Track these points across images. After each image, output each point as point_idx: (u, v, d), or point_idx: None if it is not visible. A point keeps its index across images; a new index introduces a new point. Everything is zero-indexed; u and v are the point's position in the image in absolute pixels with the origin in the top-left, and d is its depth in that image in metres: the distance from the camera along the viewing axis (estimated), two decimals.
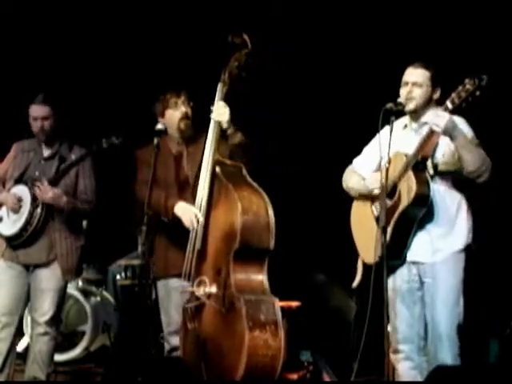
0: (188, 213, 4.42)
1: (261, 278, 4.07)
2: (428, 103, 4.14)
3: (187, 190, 4.55)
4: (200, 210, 4.39)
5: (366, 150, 4.42)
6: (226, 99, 4.47)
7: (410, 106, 4.11)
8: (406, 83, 4.13)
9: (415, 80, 4.12)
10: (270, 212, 4.10)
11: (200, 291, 4.28)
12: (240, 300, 3.95)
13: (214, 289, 4.18)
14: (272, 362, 3.92)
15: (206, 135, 4.49)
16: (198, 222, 4.38)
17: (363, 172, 4.37)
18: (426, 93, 4.12)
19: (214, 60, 4.60)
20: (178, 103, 4.63)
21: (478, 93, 3.78)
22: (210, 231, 4.32)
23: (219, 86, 4.46)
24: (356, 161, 4.45)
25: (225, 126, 4.43)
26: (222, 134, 4.47)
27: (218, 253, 4.21)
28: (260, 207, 4.08)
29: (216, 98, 4.46)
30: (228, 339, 4.05)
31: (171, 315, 4.58)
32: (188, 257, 4.40)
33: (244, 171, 4.30)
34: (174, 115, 4.65)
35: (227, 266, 4.05)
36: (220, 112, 4.44)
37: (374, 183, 4.17)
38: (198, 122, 4.64)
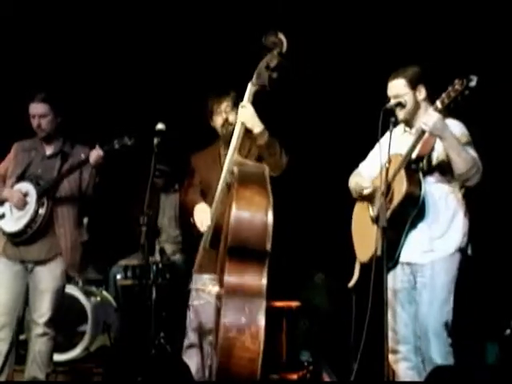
0: (200, 214, 4.50)
1: (255, 279, 4.01)
2: (416, 106, 4.18)
3: None
4: (215, 210, 4.43)
5: (371, 154, 4.45)
6: (256, 100, 4.42)
7: (401, 117, 4.16)
8: (390, 97, 4.19)
9: (394, 93, 4.18)
10: (270, 214, 4.03)
11: (206, 289, 4.32)
12: (222, 299, 3.95)
13: (216, 287, 4.20)
14: (250, 364, 3.87)
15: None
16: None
17: (367, 175, 4.40)
18: (409, 99, 4.15)
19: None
20: (220, 109, 4.64)
21: (466, 92, 3.79)
22: (223, 231, 4.34)
23: (248, 86, 4.41)
24: (362, 165, 4.48)
25: (249, 125, 4.40)
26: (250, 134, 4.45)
27: (222, 252, 4.22)
28: (259, 209, 4.03)
29: (244, 98, 4.42)
30: (215, 337, 4.07)
31: (199, 311, 4.62)
32: (198, 256, 4.47)
33: (266, 173, 4.20)
34: (217, 121, 4.67)
35: (224, 264, 4.05)
36: (243, 111, 4.40)
37: (365, 183, 4.23)
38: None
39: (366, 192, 4.23)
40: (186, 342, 4.71)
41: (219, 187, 4.40)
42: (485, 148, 4.16)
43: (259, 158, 4.47)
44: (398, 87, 4.17)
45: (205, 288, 4.36)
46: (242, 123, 4.40)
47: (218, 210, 4.41)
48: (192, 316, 4.65)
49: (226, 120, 4.63)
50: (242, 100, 4.44)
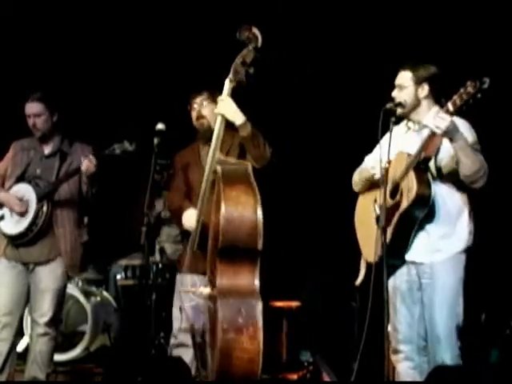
0: (189, 220, 4.47)
1: (248, 278, 3.98)
2: (417, 102, 4.18)
3: None
4: (200, 211, 4.38)
5: (376, 149, 4.42)
6: (236, 94, 4.37)
7: (399, 110, 4.16)
8: (396, 85, 4.21)
9: (399, 82, 4.20)
10: (259, 212, 3.97)
11: (196, 290, 4.30)
12: (217, 301, 3.93)
13: (208, 289, 4.19)
14: (250, 365, 3.85)
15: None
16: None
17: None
18: (410, 93, 4.16)
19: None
20: (195, 104, 4.62)
21: (479, 95, 3.77)
22: (210, 232, 4.32)
23: (226, 82, 4.36)
24: (367, 158, 4.46)
25: (229, 117, 4.34)
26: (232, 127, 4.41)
27: (212, 253, 4.21)
28: (247, 207, 3.99)
29: (223, 94, 4.36)
30: (211, 339, 4.06)
31: (190, 312, 4.58)
32: (187, 256, 4.45)
33: (249, 170, 4.16)
34: (193, 116, 4.66)
35: (215, 266, 4.04)
36: (222, 104, 4.35)
37: (376, 167, 4.19)
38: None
39: (376, 176, 4.17)
40: (174, 341, 4.67)
41: (203, 187, 4.35)
42: (484, 146, 4.17)
43: (241, 153, 4.44)
44: (403, 78, 4.18)
45: (195, 290, 4.33)
46: (222, 118, 4.35)
47: (204, 211, 4.35)
48: (184, 317, 4.60)
49: (200, 114, 4.60)
50: (220, 95, 4.39)
